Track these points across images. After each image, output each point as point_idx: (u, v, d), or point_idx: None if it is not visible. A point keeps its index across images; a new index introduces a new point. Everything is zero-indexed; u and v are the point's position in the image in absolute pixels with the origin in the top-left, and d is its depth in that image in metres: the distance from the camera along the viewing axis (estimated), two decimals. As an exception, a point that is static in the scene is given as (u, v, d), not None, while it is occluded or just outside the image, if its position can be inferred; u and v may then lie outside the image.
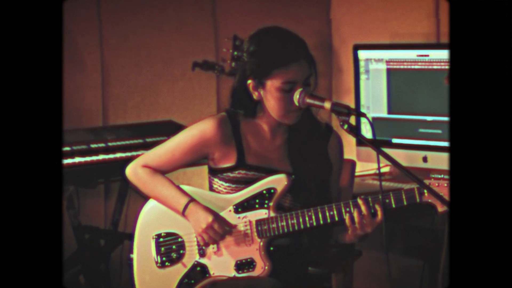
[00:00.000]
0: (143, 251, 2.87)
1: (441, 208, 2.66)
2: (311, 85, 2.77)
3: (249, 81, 2.78)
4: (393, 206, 2.69)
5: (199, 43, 4.53)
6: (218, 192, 2.86)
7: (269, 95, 2.77)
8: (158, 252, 2.86)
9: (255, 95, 2.79)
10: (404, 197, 2.69)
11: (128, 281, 2.91)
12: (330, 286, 2.99)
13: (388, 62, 3.86)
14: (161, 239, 2.86)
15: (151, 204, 2.90)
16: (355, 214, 2.69)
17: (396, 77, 3.85)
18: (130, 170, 2.91)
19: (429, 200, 2.67)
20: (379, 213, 2.69)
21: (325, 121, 2.90)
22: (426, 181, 2.65)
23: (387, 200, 2.69)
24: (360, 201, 2.70)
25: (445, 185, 2.63)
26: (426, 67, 3.74)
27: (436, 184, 2.66)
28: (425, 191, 2.65)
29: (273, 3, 4.59)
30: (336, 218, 2.72)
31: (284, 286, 2.77)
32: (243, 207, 2.81)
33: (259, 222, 2.79)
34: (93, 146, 3.84)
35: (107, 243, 4.06)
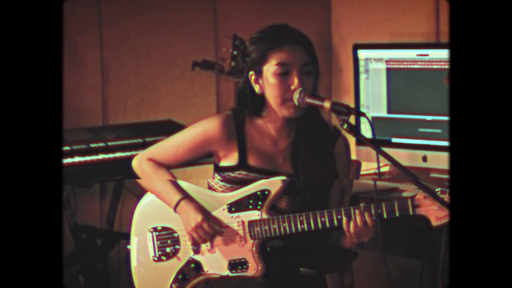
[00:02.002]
0: (140, 243, 2.89)
1: (435, 222, 2.64)
2: (312, 75, 2.76)
3: (251, 73, 2.79)
4: (385, 217, 2.67)
5: (199, 43, 4.53)
6: (214, 190, 2.87)
7: (266, 83, 2.76)
8: (154, 245, 2.87)
9: (257, 88, 2.79)
10: (396, 208, 2.66)
11: (127, 280, 2.92)
12: (325, 287, 3.00)
13: (387, 61, 3.85)
14: (157, 233, 2.88)
15: (148, 198, 2.92)
16: (351, 224, 2.68)
17: (396, 76, 3.85)
18: (136, 162, 2.94)
19: (422, 213, 2.64)
20: (369, 222, 2.67)
21: (334, 124, 2.87)
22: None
23: (379, 211, 2.66)
24: (352, 211, 2.68)
25: (446, 195, 2.61)
26: (425, 66, 3.74)
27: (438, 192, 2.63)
28: (418, 203, 2.65)
29: (273, 3, 4.58)
30: (328, 225, 2.71)
31: (277, 286, 2.78)
32: (236, 206, 2.81)
33: (251, 223, 2.79)
34: (92, 145, 3.84)
35: (104, 243, 4.07)
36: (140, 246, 2.89)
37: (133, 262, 2.90)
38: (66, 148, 3.71)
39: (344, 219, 2.68)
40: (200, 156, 2.89)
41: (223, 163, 2.85)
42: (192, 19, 4.53)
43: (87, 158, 3.76)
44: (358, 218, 2.66)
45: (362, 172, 3.83)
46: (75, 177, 3.69)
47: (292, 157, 2.84)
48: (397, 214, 2.66)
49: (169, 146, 2.90)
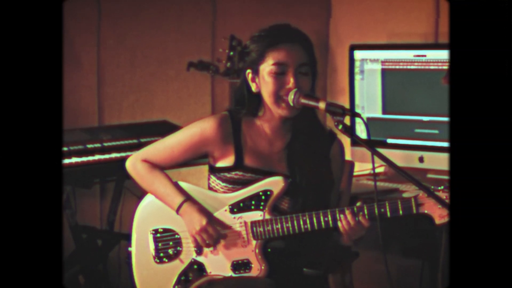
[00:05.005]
0: (141, 245, 2.89)
1: (438, 220, 2.64)
2: (309, 75, 2.76)
3: (248, 71, 2.80)
4: (388, 215, 2.67)
5: (196, 44, 4.52)
6: (215, 191, 2.86)
7: (263, 81, 2.76)
8: (156, 247, 2.87)
9: (253, 87, 2.79)
10: (400, 207, 2.66)
11: (127, 281, 2.91)
12: (328, 287, 2.99)
13: (383, 62, 3.85)
14: (158, 235, 2.87)
15: (148, 199, 2.91)
16: (350, 220, 2.68)
17: (391, 77, 3.84)
18: (130, 164, 2.92)
19: (426, 211, 2.65)
20: (363, 221, 2.67)
21: (329, 127, 2.87)
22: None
23: (382, 210, 2.67)
24: (355, 208, 2.69)
25: (445, 197, 2.60)
26: (422, 67, 3.74)
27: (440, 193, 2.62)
28: (422, 201, 2.64)
29: (272, 3, 4.58)
30: (331, 224, 2.71)
31: (280, 287, 2.77)
32: (238, 207, 2.81)
33: (254, 224, 2.78)
34: (89, 146, 3.83)
35: (104, 243, 4.06)
36: (142, 248, 2.88)
37: (135, 264, 2.89)
38: (64, 148, 3.70)
39: (343, 218, 2.68)
40: (195, 157, 2.88)
41: (219, 164, 2.85)
42: (192, 19, 4.52)
43: (84, 158, 3.75)
44: (360, 215, 2.67)
45: (357, 173, 3.83)
46: (73, 178, 3.68)
47: (288, 158, 2.84)
48: (401, 212, 2.66)
49: (164, 147, 2.89)
